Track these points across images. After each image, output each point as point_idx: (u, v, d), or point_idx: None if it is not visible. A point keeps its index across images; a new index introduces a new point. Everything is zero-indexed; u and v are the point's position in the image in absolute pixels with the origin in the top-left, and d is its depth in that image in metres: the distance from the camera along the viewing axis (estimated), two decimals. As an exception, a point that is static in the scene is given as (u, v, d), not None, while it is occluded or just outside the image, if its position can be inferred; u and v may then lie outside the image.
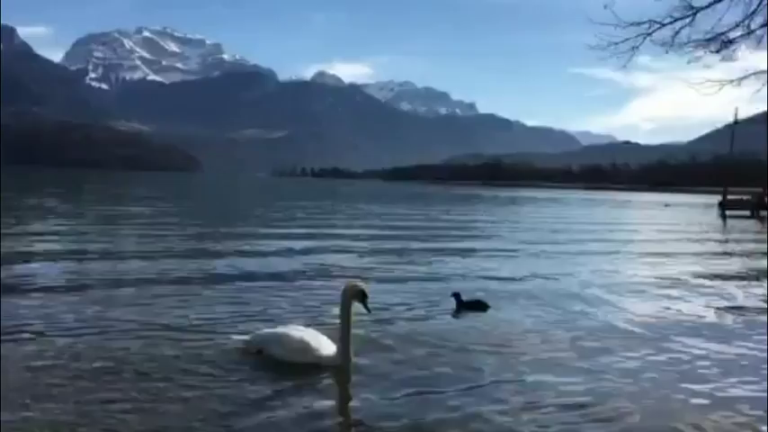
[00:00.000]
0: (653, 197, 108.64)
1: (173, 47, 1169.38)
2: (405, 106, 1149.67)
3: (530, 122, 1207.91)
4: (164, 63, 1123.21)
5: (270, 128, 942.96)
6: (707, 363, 7.06)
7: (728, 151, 71.32)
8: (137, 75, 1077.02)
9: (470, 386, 5.97)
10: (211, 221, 26.94)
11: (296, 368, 6.23)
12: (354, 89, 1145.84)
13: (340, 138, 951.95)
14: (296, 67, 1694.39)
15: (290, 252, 15.76)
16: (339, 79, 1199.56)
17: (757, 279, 12.83)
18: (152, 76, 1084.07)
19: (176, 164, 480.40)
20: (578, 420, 5.23)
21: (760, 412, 5.49)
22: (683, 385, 6.20)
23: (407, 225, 28.06)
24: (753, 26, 8.60)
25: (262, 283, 10.99)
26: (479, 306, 9.32)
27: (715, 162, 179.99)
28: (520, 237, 23.46)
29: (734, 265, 16.79)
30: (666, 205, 67.41)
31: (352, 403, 5.59)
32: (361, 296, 6.37)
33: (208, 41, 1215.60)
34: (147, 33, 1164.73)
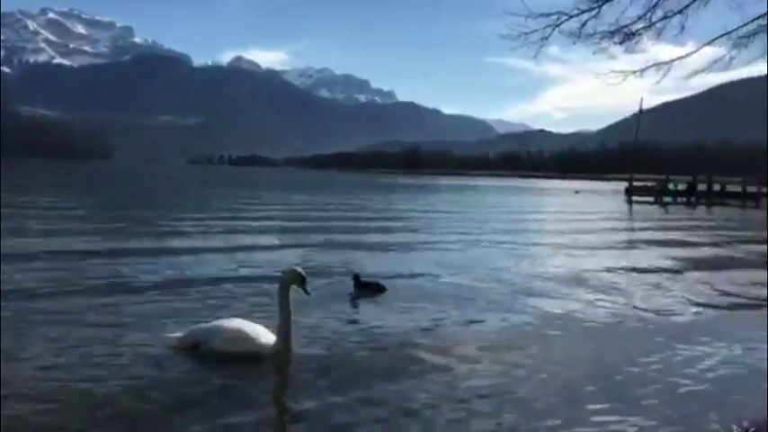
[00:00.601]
0: (565, 184, 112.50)
1: (80, 29, 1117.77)
2: (324, 93, 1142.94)
3: (448, 111, 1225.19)
4: (71, 46, 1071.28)
5: (185, 114, 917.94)
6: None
7: (634, 140, 74.65)
8: (42, 58, 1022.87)
9: (404, 374, 6.06)
10: (129, 214, 25.55)
11: (236, 359, 6.16)
12: (272, 75, 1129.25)
13: (258, 125, 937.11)
14: (211, 52, 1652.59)
15: (215, 245, 15.31)
16: (257, 65, 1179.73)
17: (680, 272, 13.38)
18: (58, 60, 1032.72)
19: (86, 151, 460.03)
20: (499, 411, 5.33)
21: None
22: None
23: (329, 216, 28.00)
24: (654, 19, 8.89)
25: (190, 277, 10.67)
26: (377, 288, 9.63)
27: (622, 150, 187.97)
28: (445, 227, 23.74)
29: (643, 256, 17.50)
30: (577, 192, 69.97)
31: (295, 390, 5.63)
32: (301, 280, 6.45)
33: (118, 24, 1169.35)
34: (52, 15, 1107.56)
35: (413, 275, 11.82)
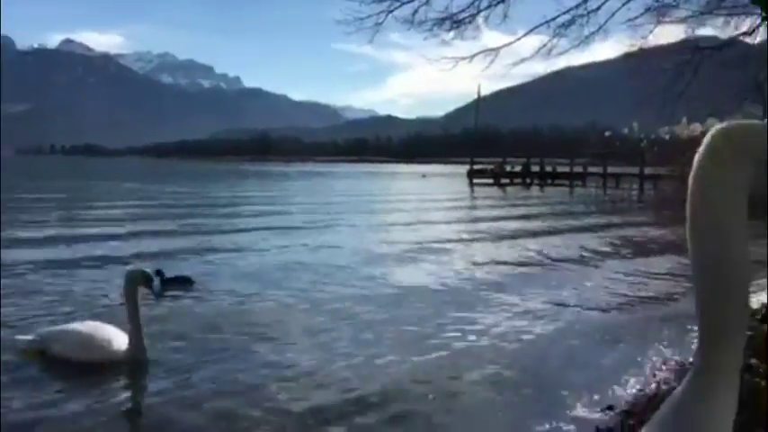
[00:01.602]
0: (412, 168, 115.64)
1: None
2: (165, 79, 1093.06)
3: (296, 97, 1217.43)
4: None
5: (10, 101, 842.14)
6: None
7: (474, 125, 78.22)
8: None
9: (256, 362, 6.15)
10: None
11: (88, 367, 5.76)
12: (107, 60, 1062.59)
13: (94, 112, 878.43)
14: (38, 35, 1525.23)
15: (59, 240, 14.18)
16: (89, 48, 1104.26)
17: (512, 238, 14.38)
18: None
19: None
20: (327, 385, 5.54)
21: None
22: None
23: (175, 203, 26.91)
24: (481, 6, 9.32)
25: (38, 276, 9.89)
26: (184, 281, 9.38)
27: (465, 135, 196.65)
28: (297, 211, 23.61)
29: (482, 228, 18.43)
30: (423, 176, 72.20)
31: (149, 398, 5.36)
32: (147, 280, 6.07)
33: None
34: None
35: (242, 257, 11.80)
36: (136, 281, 6.02)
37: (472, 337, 6.89)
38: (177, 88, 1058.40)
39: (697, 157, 0.97)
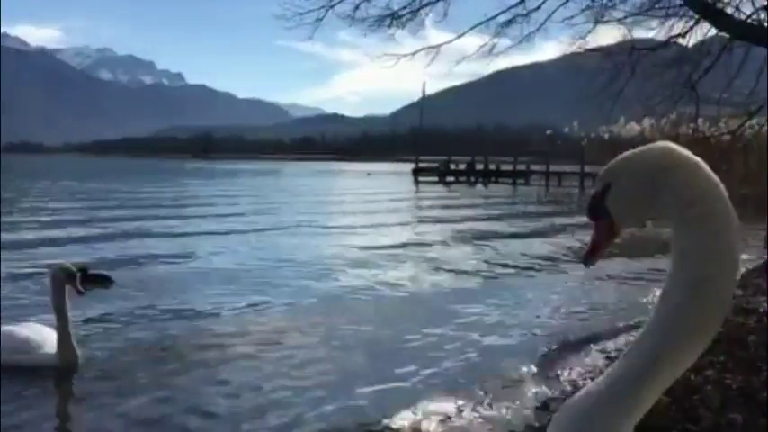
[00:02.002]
0: (358, 166, 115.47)
1: None
2: (105, 75, 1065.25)
3: (241, 94, 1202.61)
4: None
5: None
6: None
7: (419, 123, 78.74)
8: None
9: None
10: None
11: (15, 371, 5.45)
12: (44, 54, 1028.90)
13: (29, 108, 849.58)
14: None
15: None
16: (25, 43, 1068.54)
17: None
18: None
19: None
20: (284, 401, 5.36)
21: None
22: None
23: (113, 204, 26.07)
24: (422, 3, 9.28)
25: None
26: (104, 279, 9.09)
27: (411, 133, 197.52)
28: (236, 211, 23.17)
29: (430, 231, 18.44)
30: (369, 174, 72.22)
31: (74, 405, 5.12)
32: (69, 275, 5.73)
33: None
34: None
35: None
36: (59, 277, 5.71)
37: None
38: (117, 84, 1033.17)
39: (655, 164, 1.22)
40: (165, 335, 6.91)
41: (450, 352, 6.39)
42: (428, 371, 5.80)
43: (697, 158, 1.23)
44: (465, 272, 11.05)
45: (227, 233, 16.01)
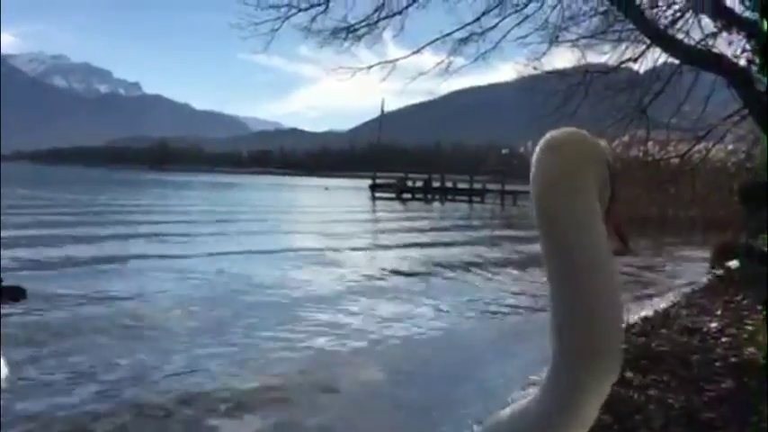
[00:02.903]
0: (316, 181, 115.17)
1: None
2: (59, 82, 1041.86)
3: (199, 106, 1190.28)
4: None
5: None
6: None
7: (377, 140, 79.01)
8: None
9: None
10: None
11: None
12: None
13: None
14: None
15: None
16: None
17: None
18: None
19: None
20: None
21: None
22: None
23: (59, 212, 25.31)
24: (378, 18, 9.27)
25: None
26: (15, 291, 8.66)
27: (369, 149, 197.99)
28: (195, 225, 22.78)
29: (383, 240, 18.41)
30: (326, 188, 72.03)
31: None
32: None
33: None
34: None
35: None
36: None
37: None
38: (72, 92, 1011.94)
39: (536, 166, 1.08)
40: (92, 348, 6.65)
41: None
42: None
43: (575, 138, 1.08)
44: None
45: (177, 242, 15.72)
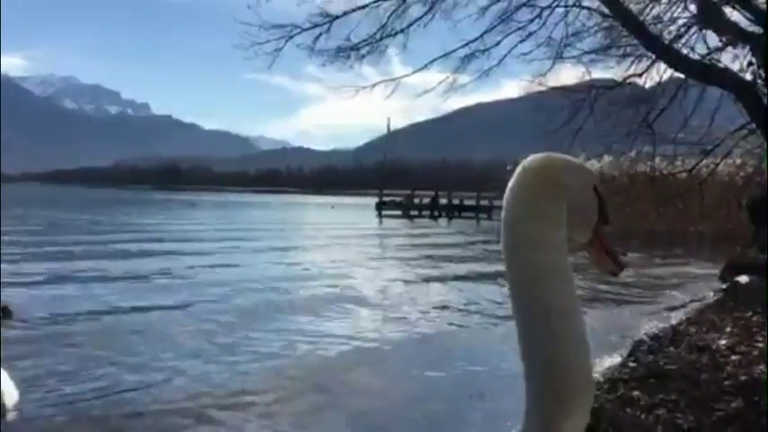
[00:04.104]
0: (323, 199, 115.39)
1: None
2: (69, 104, 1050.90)
3: (207, 126, 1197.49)
4: None
5: None
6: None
7: (384, 158, 79.23)
8: None
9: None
10: None
11: None
12: (7, 82, 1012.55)
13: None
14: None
15: None
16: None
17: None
18: None
19: None
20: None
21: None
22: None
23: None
24: (380, 37, 9.29)
25: None
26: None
27: (376, 167, 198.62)
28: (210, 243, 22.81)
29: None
30: (332, 207, 72.13)
31: None
32: None
33: None
34: None
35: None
36: None
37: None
38: (81, 113, 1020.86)
39: (513, 190, 1.05)
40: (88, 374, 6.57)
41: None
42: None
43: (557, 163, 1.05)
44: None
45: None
